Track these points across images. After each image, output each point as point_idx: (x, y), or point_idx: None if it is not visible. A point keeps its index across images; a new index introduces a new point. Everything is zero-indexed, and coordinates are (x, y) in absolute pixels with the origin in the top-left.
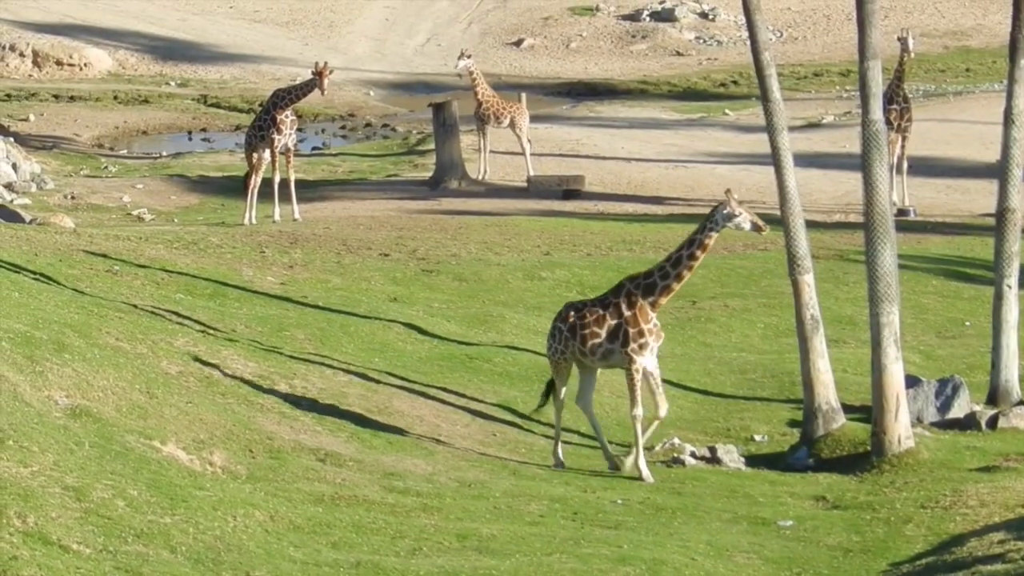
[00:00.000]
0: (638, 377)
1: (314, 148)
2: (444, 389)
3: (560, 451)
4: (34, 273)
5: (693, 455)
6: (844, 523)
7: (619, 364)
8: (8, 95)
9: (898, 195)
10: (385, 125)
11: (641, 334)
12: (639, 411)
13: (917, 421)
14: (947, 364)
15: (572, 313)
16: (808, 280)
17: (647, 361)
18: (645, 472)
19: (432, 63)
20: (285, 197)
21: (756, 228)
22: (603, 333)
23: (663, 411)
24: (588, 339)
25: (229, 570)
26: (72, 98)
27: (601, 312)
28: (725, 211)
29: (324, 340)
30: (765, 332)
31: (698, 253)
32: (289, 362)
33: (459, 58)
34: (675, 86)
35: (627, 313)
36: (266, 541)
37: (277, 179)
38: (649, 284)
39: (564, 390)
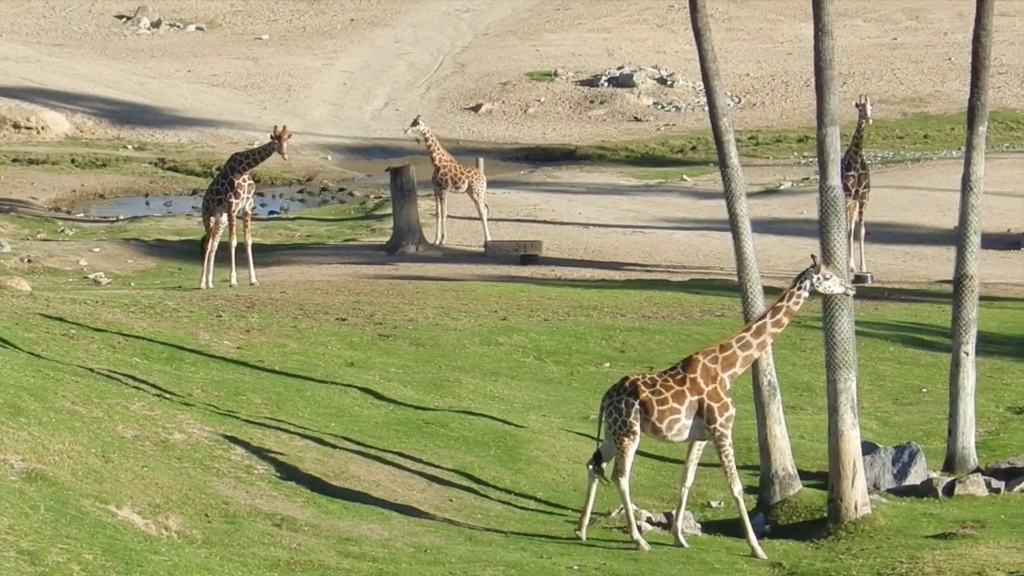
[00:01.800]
0: (731, 451)
1: (271, 212)
2: (400, 454)
3: (637, 532)
4: None
5: (649, 521)
6: None
7: (695, 439)
8: None
9: (856, 261)
10: (342, 189)
11: (726, 408)
12: (739, 487)
13: (874, 488)
14: (904, 431)
15: (644, 388)
16: None
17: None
18: (759, 550)
19: (390, 128)
20: (242, 261)
21: (846, 293)
22: (683, 410)
23: (690, 482)
24: (666, 416)
25: None
26: (30, 161)
27: (677, 388)
28: (816, 276)
29: (280, 404)
30: None
31: (784, 319)
32: (245, 426)
33: (412, 124)
34: (633, 151)
35: (707, 388)
36: None
37: (234, 243)
38: (728, 356)
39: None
